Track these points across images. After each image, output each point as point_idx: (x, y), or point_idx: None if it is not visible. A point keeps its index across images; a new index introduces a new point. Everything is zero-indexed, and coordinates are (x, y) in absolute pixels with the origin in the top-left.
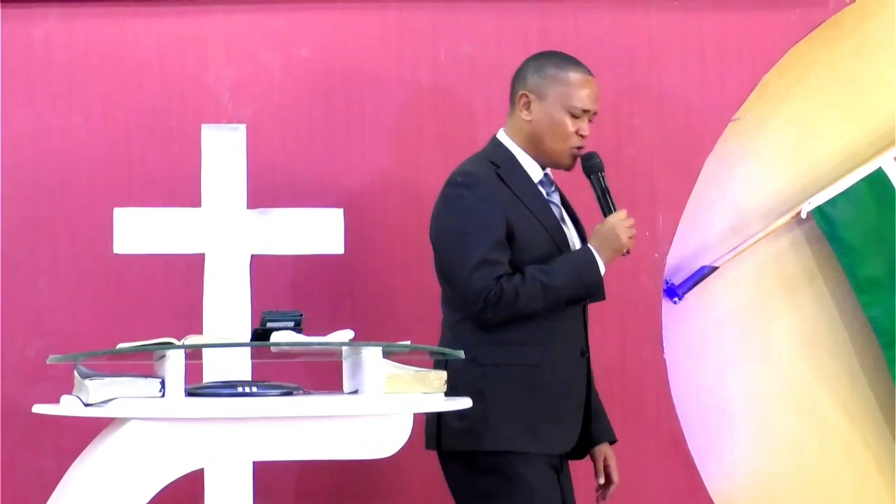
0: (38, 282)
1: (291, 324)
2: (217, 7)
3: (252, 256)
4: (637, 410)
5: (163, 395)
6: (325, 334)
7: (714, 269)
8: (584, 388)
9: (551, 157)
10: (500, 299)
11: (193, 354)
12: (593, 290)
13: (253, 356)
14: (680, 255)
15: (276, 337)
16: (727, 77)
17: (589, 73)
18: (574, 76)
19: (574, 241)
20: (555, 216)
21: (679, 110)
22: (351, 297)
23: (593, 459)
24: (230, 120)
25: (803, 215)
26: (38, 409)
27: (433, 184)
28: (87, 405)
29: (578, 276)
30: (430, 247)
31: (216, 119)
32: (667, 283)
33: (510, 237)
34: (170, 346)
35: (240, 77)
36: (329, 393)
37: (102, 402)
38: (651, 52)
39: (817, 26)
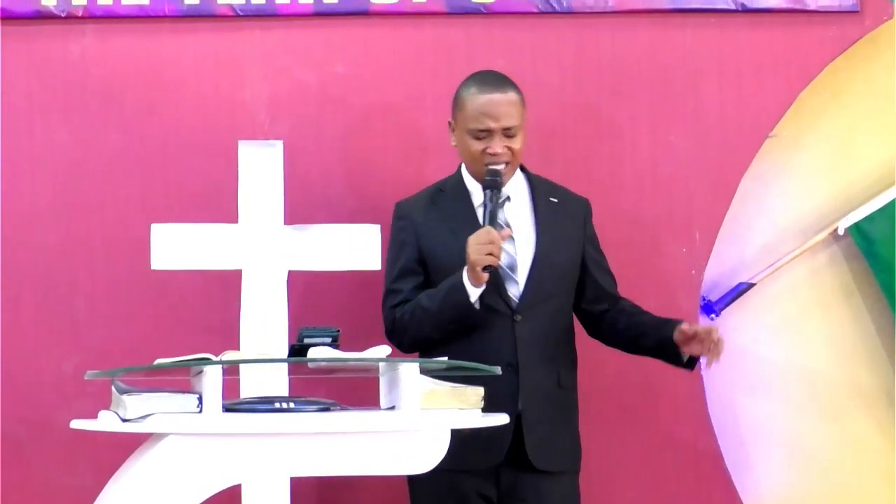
0: (75, 298)
1: (328, 340)
2: (253, 23)
3: (289, 272)
4: (674, 427)
5: (200, 411)
6: (361, 350)
7: (751, 285)
8: (514, 402)
9: (477, 178)
10: (394, 327)
11: (231, 370)
12: (464, 310)
13: (290, 372)
14: (717, 272)
15: (313, 353)
16: (764, 94)
17: (495, 89)
18: (472, 99)
19: (515, 257)
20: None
21: (715, 127)
22: None
23: (681, 344)
24: (267, 136)
25: (840, 232)
26: (77, 424)
27: None
28: (124, 420)
29: (448, 297)
30: None
31: (253, 135)
32: (704, 299)
33: (425, 262)
34: (207, 361)
35: (276, 93)
36: (366, 409)
37: (140, 418)
38: (687, 68)
39: (854, 43)
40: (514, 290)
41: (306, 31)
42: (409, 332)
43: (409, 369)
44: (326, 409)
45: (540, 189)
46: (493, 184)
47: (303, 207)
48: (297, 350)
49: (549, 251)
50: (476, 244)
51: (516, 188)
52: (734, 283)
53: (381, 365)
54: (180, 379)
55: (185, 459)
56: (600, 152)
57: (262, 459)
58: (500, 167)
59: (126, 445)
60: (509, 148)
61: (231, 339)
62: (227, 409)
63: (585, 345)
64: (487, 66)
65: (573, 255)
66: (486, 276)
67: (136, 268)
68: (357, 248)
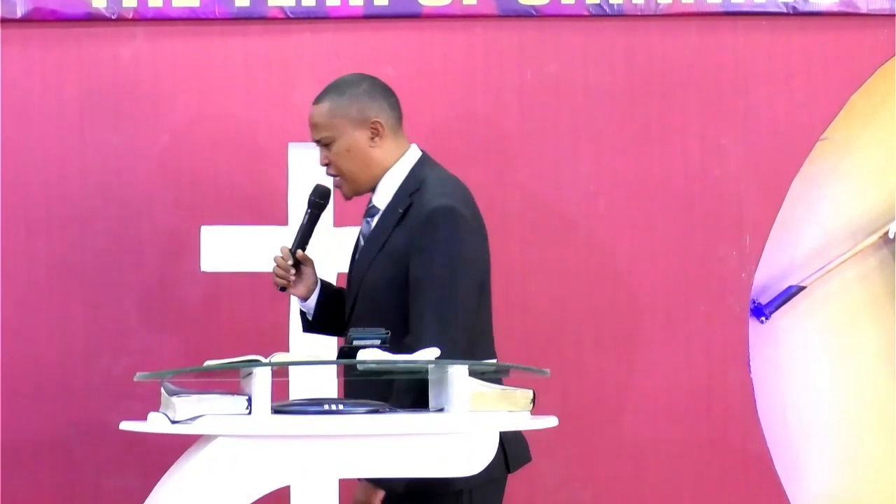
0: (124, 300)
1: (378, 342)
2: (304, 26)
3: (338, 274)
4: (723, 431)
5: (249, 413)
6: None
7: (801, 288)
8: None
9: None
10: None
11: (280, 372)
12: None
13: (339, 374)
14: (767, 275)
15: (362, 355)
16: (814, 97)
17: (314, 101)
18: None
19: (354, 276)
20: (356, 249)
21: (766, 130)
22: None
23: None
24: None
25: (891, 235)
26: (126, 426)
27: (520, 203)
28: (174, 422)
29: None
30: (515, 268)
31: (303, 138)
32: (754, 302)
33: None
34: (257, 363)
35: None
36: (415, 411)
37: (189, 420)
38: (737, 71)
39: None
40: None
41: (357, 34)
42: None
43: (459, 371)
44: (375, 411)
45: (399, 197)
46: (309, 201)
47: (352, 210)
48: (347, 352)
49: (364, 269)
50: (273, 264)
51: (383, 197)
52: (784, 287)
53: (430, 367)
54: (230, 381)
55: (234, 461)
56: (650, 155)
57: (311, 461)
58: (335, 182)
59: (175, 447)
60: (329, 159)
61: (280, 341)
62: (276, 410)
63: (637, 347)
64: (539, 70)
65: (392, 268)
66: (294, 294)
67: (186, 270)
68: None
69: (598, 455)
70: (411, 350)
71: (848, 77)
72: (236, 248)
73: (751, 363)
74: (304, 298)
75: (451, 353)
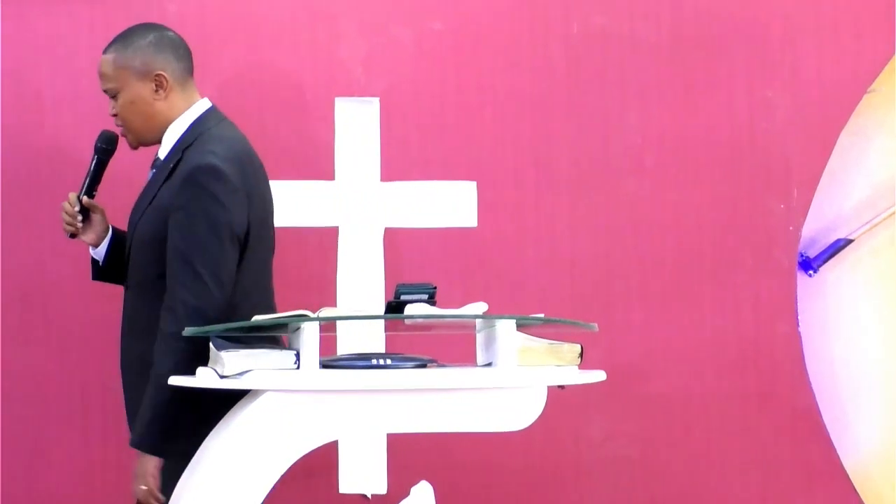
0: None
1: (425, 296)
2: None
3: (385, 229)
4: (771, 385)
5: (298, 367)
6: (458, 307)
7: (849, 241)
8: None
9: None
10: None
11: (327, 327)
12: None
13: (387, 329)
14: (815, 228)
15: (409, 309)
16: (862, 49)
17: (103, 52)
18: None
19: (129, 228)
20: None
21: (813, 83)
22: (483, 270)
23: None
24: (363, 93)
25: None
26: (175, 380)
27: (566, 156)
28: (222, 377)
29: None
30: (562, 222)
31: (349, 92)
32: (802, 256)
33: None
34: (305, 318)
35: (372, 50)
36: (463, 366)
37: (238, 374)
38: (785, 24)
39: None
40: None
41: None
42: None
43: (506, 326)
44: (423, 366)
45: (175, 151)
46: (95, 147)
47: (399, 164)
48: (394, 307)
49: (135, 221)
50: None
51: (165, 150)
52: (832, 240)
53: (478, 322)
54: (277, 335)
55: (282, 416)
56: (697, 109)
57: (359, 416)
58: (121, 132)
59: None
60: (116, 110)
61: (328, 295)
62: (323, 365)
63: (684, 301)
64: (585, 22)
65: (155, 222)
66: (85, 241)
67: None
68: (453, 204)
69: (645, 410)
70: (170, 310)
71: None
72: (283, 203)
73: (798, 317)
74: (95, 245)
75: (205, 309)
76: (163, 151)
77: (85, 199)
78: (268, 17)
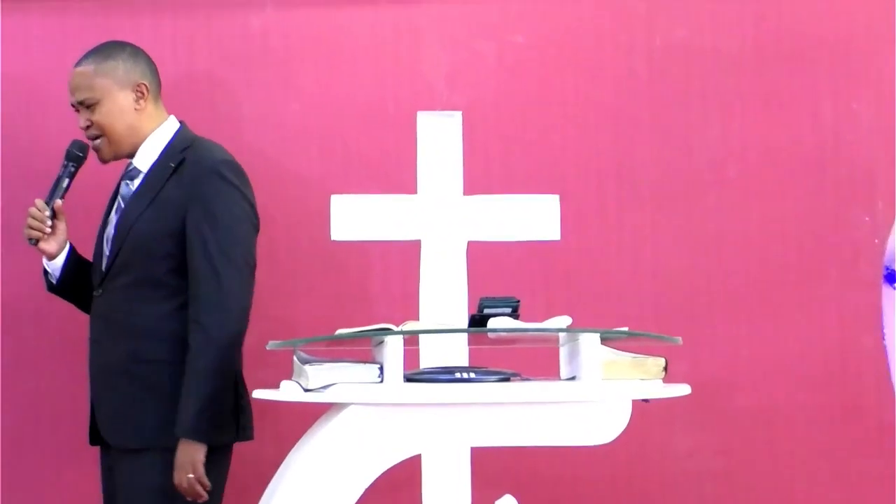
0: (256, 269)
1: (508, 310)
2: None
3: (468, 243)
4: (857, 399)
5: (381, 381)
6: (541, 321)
7: None
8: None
9: None
10: None
11: (410, 340)
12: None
13: (470, 342)
14: None
15: (493, 323)
16: None
17: (76, 64)
18: None
19: (119, 229)
20: (108, 211)
21: None
22: (567, 283)
23: None
24: (445, 107)
25: None
26: (259, 394)
27: (649, 169)
28: (306, 390)
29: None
30: (645, 234)
31: (431, 106)
32: (887, 268)
33: None
34: (388, 331)
35: (455, 64)
36: (546, 379)
37: (322, 388)
38: (869, 35)
39: None
40: (105, 265)
41: (484, 3)
42: None
43: (590, 339)
44: (507, 379)
45: (169, 155)
46: (68, 154)
47: (482, 178)
48: (478, 320)
49: (131, 220)
50: (27, 216)
51: (146, 159)
52: None
53: (562, 335)
54: (360, 349)
55: (366, 429)
56: (781, 120)
57: (443, 429)
58: (93, 145)
59: (306, 416)
60: (92, 121)
61: (411, 309)
62: (407, 378)
63: (768, 314)
64: (667, 35)
65: (163, 219)
66: (45, 250)
67: (317, 239)
68: (536, 218)
69: (729, 423)
70: (211, 302)
71: None
72: (366, 217)
73: (884, 330)
74: (53, 256)
75: (246, 297)
76: (142, 161)
77: (58, 202)
78: (351, 32)
